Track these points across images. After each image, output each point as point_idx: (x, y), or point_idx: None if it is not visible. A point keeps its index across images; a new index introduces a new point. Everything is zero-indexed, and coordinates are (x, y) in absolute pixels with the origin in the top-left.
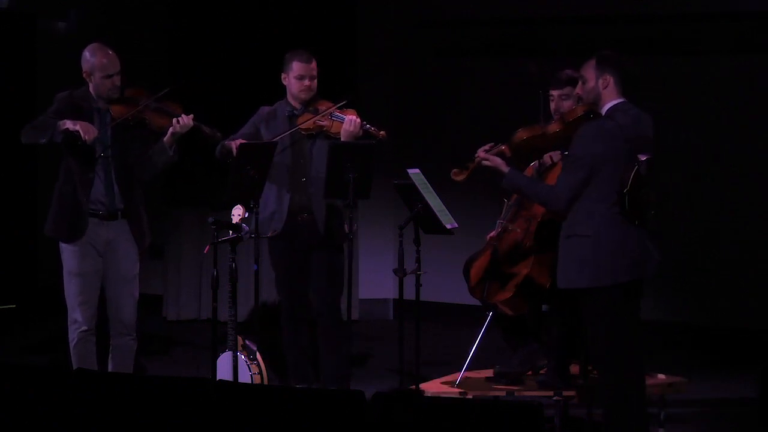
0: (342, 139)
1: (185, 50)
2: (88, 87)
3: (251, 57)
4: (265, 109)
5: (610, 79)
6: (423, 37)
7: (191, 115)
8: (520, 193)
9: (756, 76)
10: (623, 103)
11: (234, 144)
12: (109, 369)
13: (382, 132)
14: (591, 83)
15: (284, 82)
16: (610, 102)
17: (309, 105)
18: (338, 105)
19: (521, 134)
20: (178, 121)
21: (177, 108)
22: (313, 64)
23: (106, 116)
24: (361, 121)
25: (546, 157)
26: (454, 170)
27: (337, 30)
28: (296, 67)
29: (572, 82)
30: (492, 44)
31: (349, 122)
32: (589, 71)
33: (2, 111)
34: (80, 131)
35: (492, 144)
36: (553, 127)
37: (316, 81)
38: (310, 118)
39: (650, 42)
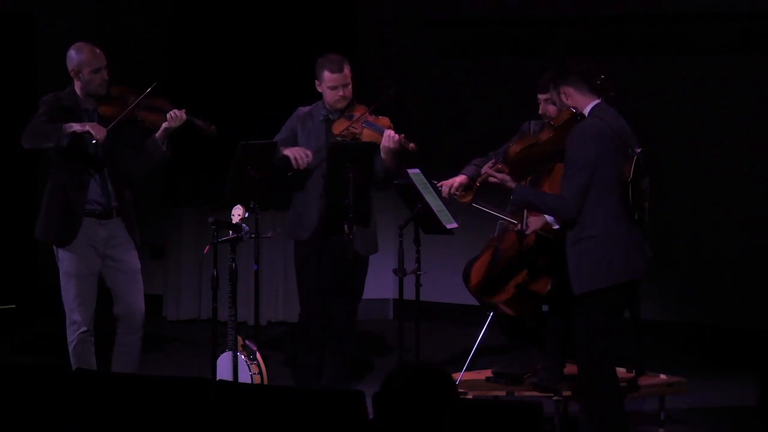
0: (381, 155)
1: (184, 50)
2: (74, 88)
3: (252, 57)
4: (302, 111)
5: (569, 89)
6: (424, 37)
7: (183, 109)
8: (529, 206)
9: (756, 76)
10: (600, 104)
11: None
12: (113, 366)
13: (411, 144)
14: (558, 102)
15: (318, 89)
16: (586, 106)
17: (344, 110)
18: (370, 109)
19: (514, 148)
20: (171, 116)
21: (166, 103)
22: (346, 71)
23: (94, 116)
24: (400, 135)
25: None
26: (458, 193)
27: (338, 30)
28: (328, 77)
29: None
30: (492, 44)
31: (388, 138)
32: (553, 94)
33: (2, 112)
34: (92, 132)
35: (494, 160)
36: (545, 135)
37: (350, 87)
38: (345, 125)
39: (650, 42)
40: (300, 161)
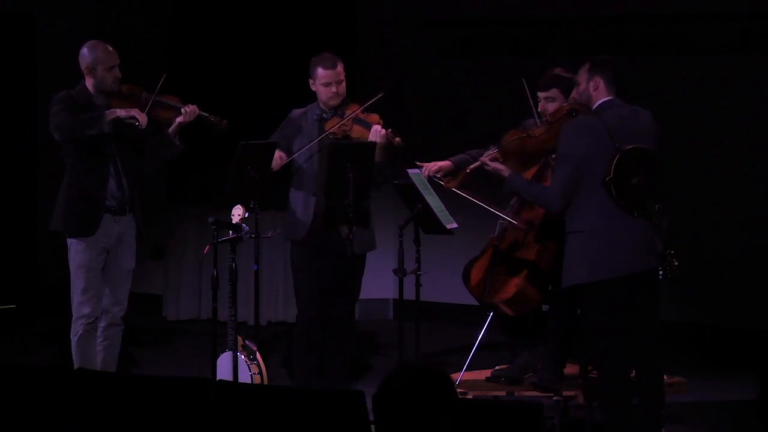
0: None
1: (184, 50)
2: (85, 85)
3: (251, 58)
4: (296, 112)
5: (600, 81)
6: (423, 37)
7: (195, 105)
8: (519, 196)
9: (756, 76)
10: (611, 100)
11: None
12: (99, 360)
13: (397, 138)
14: (582, 86)
15: (312, 89)
16: (599, 101)
17: (338, 109)
18: (362, 107)
19: (508, 137)
20: (185, 111)
21: (177, 99)
22: (339, 68)
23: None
24: (387, 130)
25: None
26: (445, 178)
27: (338, 30)
28: (321, 74)
29: (557, 84)
30: (492, 44)
31: (375, 133)
32: (582, 75)
33: (2, 111)
34: (137, 118)
35: (493, 149)
36: (540, 129)
37: (344, 84)
38: (337, 123)
39: (650, 42)
40: (274, 163)
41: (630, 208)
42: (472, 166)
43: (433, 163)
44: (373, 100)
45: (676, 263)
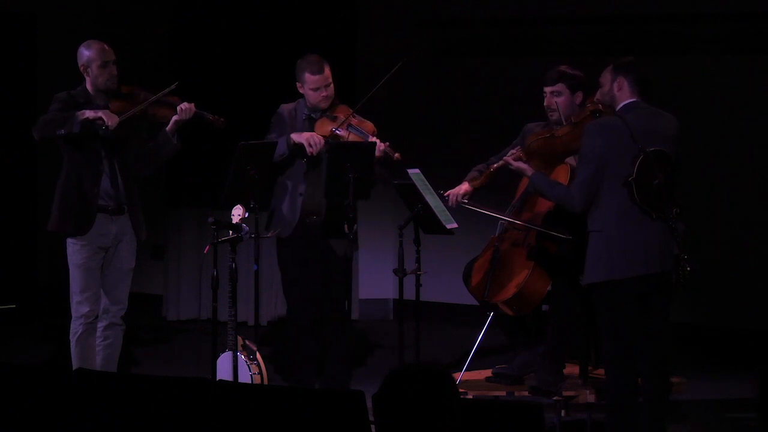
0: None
1: (186, 50)
2: (85, 86)
3: (251, 58)
4: (285, 108)
5: (624, 82)
6: (423, 37)
7: (192, 103)
8: (542, 195)
9: (756, 76)
10: (635, 102)
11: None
12: (99, 359)
13: (397, 154)
14: (606, 87)
15: (300, 91)
16: (623, 102)
17: (326, 110)
18: (353, 112)
19: (532, 137)
20: (182, 109)
21: (176, 99)
22: (327, 72)
23: None
24: (385, 143)
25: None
26: (465, 200)
27: (338, 30)
28: (309, 79)
29: (564, 79)
30: (492, 44)
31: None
32: (606, 76)
33: (2, 111)
34: (104, 118)
35: (518, 148)
36: (563, 130)
37: (332, 87)
38: (328, 126)
39: (650, 42)
40: (314, 146)
41: (649, 210)
42: (495, 165)
43: (456, 189)
44: (362, 102)
45: (688, 269)
